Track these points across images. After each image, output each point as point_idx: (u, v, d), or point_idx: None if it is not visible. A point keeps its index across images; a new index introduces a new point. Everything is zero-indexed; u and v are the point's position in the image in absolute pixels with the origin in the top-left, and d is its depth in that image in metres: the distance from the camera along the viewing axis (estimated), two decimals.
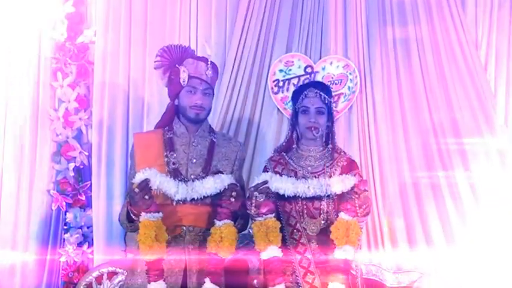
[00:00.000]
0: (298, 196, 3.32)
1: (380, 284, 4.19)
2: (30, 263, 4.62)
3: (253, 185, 3.30)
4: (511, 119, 4.61)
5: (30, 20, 4.64)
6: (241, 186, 3.48)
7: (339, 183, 3.28)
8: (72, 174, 4.63)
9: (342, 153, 3.55)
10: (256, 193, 3.26)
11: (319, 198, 3.36)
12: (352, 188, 3.26)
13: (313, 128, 3.42)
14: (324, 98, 3.45)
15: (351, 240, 3.25)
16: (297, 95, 3.54)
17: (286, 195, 3.30)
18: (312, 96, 3.45)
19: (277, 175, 3.34)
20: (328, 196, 3.35)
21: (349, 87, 4.58)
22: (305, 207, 3.41)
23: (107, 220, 4.61)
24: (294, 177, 3.37)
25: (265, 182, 3.26)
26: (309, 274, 3.37)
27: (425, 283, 4.12)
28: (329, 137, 3.54)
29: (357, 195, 3.26)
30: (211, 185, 3.28)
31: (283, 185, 3.29)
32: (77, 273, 4.53)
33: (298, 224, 3.43)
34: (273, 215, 3.29)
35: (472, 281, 4.26)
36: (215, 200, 3.34)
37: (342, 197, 3.31)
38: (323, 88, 3.53)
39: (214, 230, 3.27)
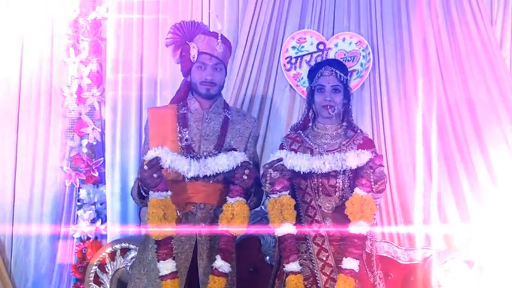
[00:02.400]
0: (314, 173, 3.28)
1: (392, 261, 4.22)
2: (44, 239, 4.70)
3: (268, 162, 3.29)
4: None
5: None
6: (255, 163, 3.50)
7: (354, 158, 3.23)
8: (85, 150, 4.68)
9: (359, 132, 3.54)
10: (271, 170, 3.25)
11: (334, 175, 3.34)
12: (368, 163, 3.22)
13: (328, 107, 3.40)
14: (340, 76, 3.42)
15: (366, 215, 3.22)
16: (312, 74, 3.51)
17: (302, 172, 3.26)
18: (328, 74, 3.42)
19: (293, 152, 3.32)
20: (344, 173, 3.35)
21: (361, 64, 4.57)
22: (320, 184, 3.40)
23: (120, 196, 4.65)
24: (310, 154, 3.36)
25: (280, 160, 3.25)
26: (322, 252, 3.36)
27: (437, 260, 4.09)
28: (345, 114, 3.54)
29: (372, 170, 3.21)
30: (223, 162, 3.26)
31: (299, 161, 3.26)
32: (90, 249, 4.58)
33: (313, 201, 3.41)
34: (288, 192, 3.28)
35: (486, 258, 4.24)
36: (227, 177, 3.33)
37: (357, 173, 3.28)
38: (339, 66, 3.50)
39: (226, 207, 3.27)
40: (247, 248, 4.20)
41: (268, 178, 3.27)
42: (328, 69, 3.43)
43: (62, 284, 4.68)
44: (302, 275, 3.27)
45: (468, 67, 4.50)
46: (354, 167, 3.23)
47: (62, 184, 4.71)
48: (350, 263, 3.22)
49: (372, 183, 3.22)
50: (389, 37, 4.57)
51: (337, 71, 3.43)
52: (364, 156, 3.22)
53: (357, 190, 3.23)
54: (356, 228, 3.22)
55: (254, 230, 4.24)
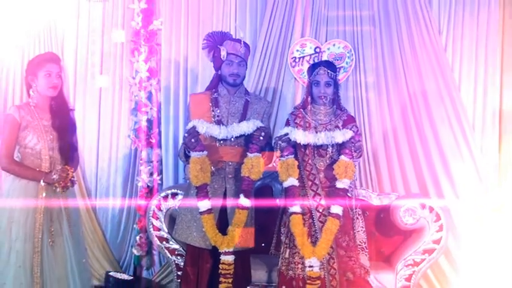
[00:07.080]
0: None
1: (367, 203, 4.39)
2: (118, 186, 5.09)
3: (278, 135, 3.54)
4: (463, 87, 4.72)
5: (116, 13, 5.02)
6: (269, 134, 3.64)
7: (341, 136, 3.49)
8: (145, 124, 4.92)
9: (344, 110, 3.75)
10: (280, 142, 3.51)
11: (326, 145, 3.61)
12: (350, 139, 3.48)
13: (323, 97, 3.61)
14: (331, 74, 3.60)
15: (348, 175, 3.48)
16: (311, 70, 3.67)
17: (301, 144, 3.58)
18: (322, 73, 3.59)
19: (295, 128, 3.54)
20: (333, 145, 3.57)
21: (347, 62, 4.77)
22: (316, 148, 3.61)
23: (173, 156, 4.92)
24: (309, 127, 3.59)
25: (286, 134, 3.51)
26: (316, 196, 3.60)
27: (400, 202, 4.25)
28: (335, 99, 3.72)
29: (353, 144, 3.49)
30: (244, 125, 3.46)
31: (299, 137, 3.50)
32: (149, 194, 4.87)
33: (310, 160, 3.61)
34: (293, 156, 3.52)
35: (436, 201, 4.44)
36: (247, 141, 3.50)
37: (342, 145, 3.53)
38: (330, 66, 3.65)
39: (246, 160, 3.46)
40: (263, 193, 4.38)
41: (278, 146, 3.51)
42: (323, 69, 3.59)
43: (130, 218, 5.03)
44: (302, 215, 3.50)
45: (423, 64, 4.65)
46: (340, 142, 3.50)
47: (129, 148, 5.01)
48: (336, 209, 3.50)
49: (353, 152, 3.51)
50: (367, 43, 4.75)
51: (329, 71, 3.59)
52: (348, 134, 3.49)
53: (342, 157, 3.49)
54: (341, 184, 3.50)
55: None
